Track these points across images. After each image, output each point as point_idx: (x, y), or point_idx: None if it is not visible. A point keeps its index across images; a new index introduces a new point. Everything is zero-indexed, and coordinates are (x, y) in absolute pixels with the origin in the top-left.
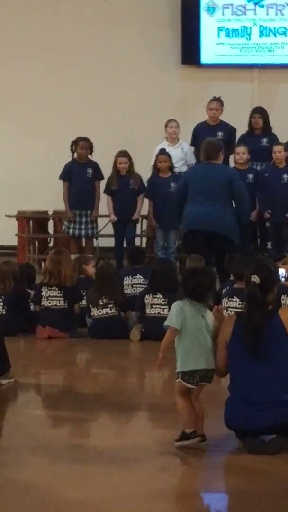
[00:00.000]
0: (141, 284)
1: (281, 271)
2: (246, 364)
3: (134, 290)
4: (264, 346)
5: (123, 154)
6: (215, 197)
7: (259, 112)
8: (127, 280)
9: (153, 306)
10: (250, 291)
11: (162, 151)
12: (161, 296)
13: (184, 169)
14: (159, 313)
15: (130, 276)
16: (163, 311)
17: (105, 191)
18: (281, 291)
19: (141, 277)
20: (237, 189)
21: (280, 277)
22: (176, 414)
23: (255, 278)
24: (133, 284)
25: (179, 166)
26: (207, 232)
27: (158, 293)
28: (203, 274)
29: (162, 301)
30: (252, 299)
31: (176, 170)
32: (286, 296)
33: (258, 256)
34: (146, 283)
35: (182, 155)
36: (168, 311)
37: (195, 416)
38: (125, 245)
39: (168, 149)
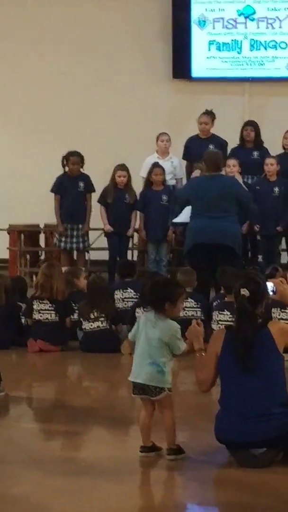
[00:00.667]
0: (132, 298)
1: (270, 285)
2: (237, 377)
3: (125, 304)
4: (254, 359)
5: (123, 167)
6: (222, 210)
7: (251, 125)
8: (118, 294)
9: None
10: (239, 304)
11: (156, 164)
12: None
13: (173, 182)
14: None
15: (121, 290)
16: None
17: (99, 201)
18: (271, 304)
19: (132, 290)
20: (241, 193)
21: (269, 290)
22: None
23: (244, 291)
24: (124, 298)
25: (168, 180)
26: (214, 245)
27: (148, 307)
28: (162, 283)
29: None
30: (241, 312)
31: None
32: (277, 310)
33: (248, 270)
34: (137, 296)
35: (171, 168)
36: None
37: (148, 430)
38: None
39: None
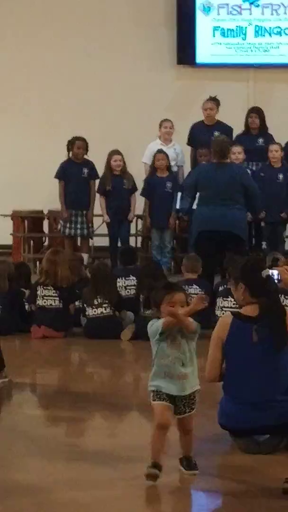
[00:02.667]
0: (134, 285)
1: (275, 273)
2: (243, 364)
3: (127, 292)
4: (260, 347)
5: (117, 152)
6: (229, 198)
7: (256, 112)
8: (120, 282)
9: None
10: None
11: (160, 150)
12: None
13: (175, 169)
14: (152, 313)
15: (123, 278)
16: None
17: (98, 191)
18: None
19: (134, 278)
20: (249, 185)
21: (274, 278)
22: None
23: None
24: (126, 285)
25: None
26: (221, 232)
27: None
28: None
29: None
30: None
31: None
32: (281, 296)
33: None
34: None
35: (174, 155)
36: None
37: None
38: (119, 244)
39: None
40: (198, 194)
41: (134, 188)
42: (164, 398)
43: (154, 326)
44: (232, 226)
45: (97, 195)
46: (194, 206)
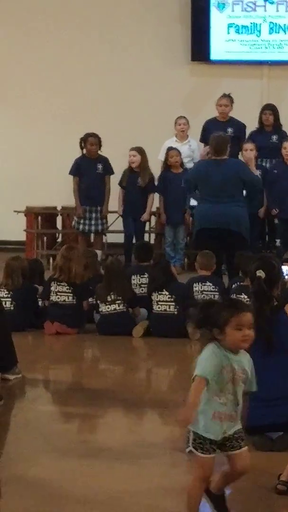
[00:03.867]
0: None
1: (285, 269)
2: (254, 360)
3: (142, 290)
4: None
5: (134, 148)
6: (228, 195)
7: (270, 108)
8: (135, 279)
9: (159, 303)
10: (256, 285)
11: (171, 148)
12: (167, 293)
13: (191, 165)
14: (165, 310)
15: (138, 275)
16: (169, 308)
17: (119, 183)
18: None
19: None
20: (248, 178)
21: (284, 274)
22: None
23: (260, 273)
24: (141, 283)
25: (186, 163)
26: (221, 229)
27: (164, 289)
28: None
29: (168, 297)
30: (258, 293)
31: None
32: None
33: (263, 253)
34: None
35: (189, 152)
36: (175, 308)
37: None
38: (134, 240)
39: (176, 146)
40: (199, 191)
41: (150, 187)
42: (209, 448)
43: (216, 361)
44: (232, 223)
45: (116, 188)
46: (195, 203)
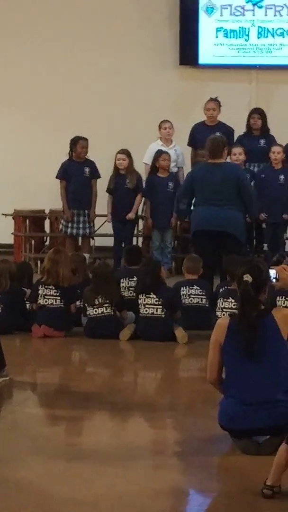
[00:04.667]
0: None
1: (272, 272)
2: (240, 364)
3: (131, 293)
4: (258, 346)
5: (122, 151)
6: (225, 198)
7: (259, 112)
8: (124, 283)
9: (147, 306)
10: (242, 289)
11: (163, 151)
12: (154, 296)
13: (175, 170)
14: (152, 313)
15: (127, 278)
16: (156, 311)
17: (107, 190)
18: (276, 293)
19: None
20: (244, 185)
21: (271, 278)
22: (172, 413)
23: (247, 277)
24: (129, 286)
25: (171, 167)
26: (216, 232)
27: (151, 293)
28: None
29: (156, 301)
30: (245, 298)
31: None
32: (282, 298)
33: (251, 257)
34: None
35: (174, 156)
36: (162, 311)
37: None
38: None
39: (162, 149)
40: (195, 194)
41: (138, 188)
42: None
43: None
44: (227, 226)
45: (102, 194)
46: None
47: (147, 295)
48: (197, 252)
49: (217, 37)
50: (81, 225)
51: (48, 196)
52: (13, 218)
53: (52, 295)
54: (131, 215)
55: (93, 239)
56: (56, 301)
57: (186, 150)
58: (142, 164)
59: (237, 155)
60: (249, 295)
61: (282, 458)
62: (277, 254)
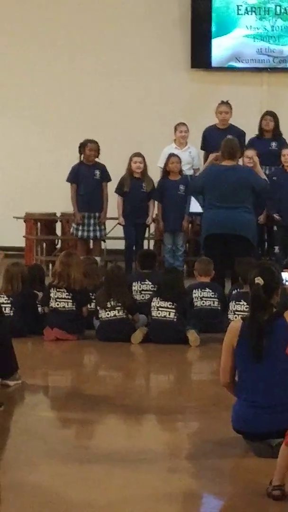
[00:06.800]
0: (150, 290)
1: (285, 275)
2: (253, 367)
3: (142, 296)
4: (270, 349)
5: (139, 154)
6: (237, 201)
7: (271, 115)
8: (135, 286)
9: (160, 309)
10: (254, 292)
11: (173, 154)
12: (169, 300)
13: (190, 173)
14: (165, 316)
15: (139, 282)
16: (169, 314)
17: (116, 191)
18: None
19: (150, 283)
20: (257, 183)
21: (284, 281)
22: (184, 416)
23: (258, 280)
24: (141, 290)
25: (186, 170)
26: (228, 235)
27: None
28: None
29: (169, 304)
30: (256, 301)
31: (183, 173)
32: None
33: (263, 260)
34: (155, 288)
35: (189, 159)
36: (175, 315)
37: None
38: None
39: (176, 152)
40: (206, 197)
41: (152, 192)
42: None
43: None
44: (239, 229)
45: (115, 196)
46: (195, 210)
47: (161, 299)
48: (208, 255)
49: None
50: (91, 228)
51: (60, 199)
52: (24, 221)
53: (64, 298)
54: (150, 221)
55: (104, 241)
56: (68, 304)
57: (201, 152)
58: (151, 167)
59: (250, 158)
60: (260, 298)
61: (285, 459)
62: None
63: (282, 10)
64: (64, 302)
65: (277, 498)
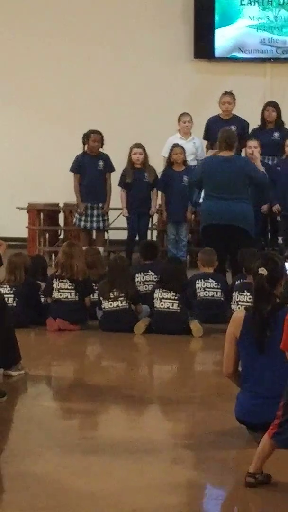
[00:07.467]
0: (153, 281)
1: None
2: (256, 357)
3: (145, 287)
4: (273, 340)
5: (138, 145)
6: (234, 192)
7: (273, 105)
8: (138, 277)
9: (163, 300)
10: (257, 283)
11: (176, 144)
12: (172, 291)
13: (195, 163)
14: (168, 307)
15: (142, 273)
16: (172, 305)
17: (119, 184)
18: None
19: (153, 273)
20: (254, 174)
21: (287, 271)
22: (187, 406)
23: (262, 271)
24: (144, 281)
25: (190, 160)
26: (226, 225)
27: (171, 290)
28: None
29: (173, 295)
30: (259, 291)
31: (187, 164)
32: None
33: (266, 250)
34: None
35: (193, 149)
36: (178, 306)
37: None
38: (137, 238)
39: (180, 143)
40: (204, 188)
41: (155, 182)
42: None
43: None
44: (237, 220)
45: (118, 188)
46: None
47: (164, 290)
48: (207, 246)
49: None
50: (95, 219)
51: (62, 190)
52: (27, 212)
53: (67, 289)
54: (154, 211)
55: (107, 232)
56: (71, 295)
57: (205, 142)
58: (154, 157)
59: (253, 148)
60: (263, 289)
61: (264, 450)
62: None
63: (286, 1)
64: (67, 292)
65: (248, 485)
